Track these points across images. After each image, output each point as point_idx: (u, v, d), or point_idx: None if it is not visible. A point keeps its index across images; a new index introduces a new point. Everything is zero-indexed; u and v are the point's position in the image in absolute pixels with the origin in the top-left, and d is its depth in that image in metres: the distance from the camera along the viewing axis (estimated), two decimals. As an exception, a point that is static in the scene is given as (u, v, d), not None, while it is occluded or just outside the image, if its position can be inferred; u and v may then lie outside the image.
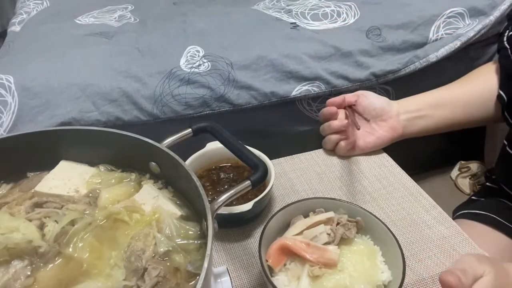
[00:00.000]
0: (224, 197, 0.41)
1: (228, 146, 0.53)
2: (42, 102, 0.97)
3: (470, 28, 1.12)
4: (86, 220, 0.42)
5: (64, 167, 0.49)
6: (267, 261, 0.49)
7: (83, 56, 1.06)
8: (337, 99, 0.74)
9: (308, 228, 0.52)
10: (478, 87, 0.75)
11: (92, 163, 0.50)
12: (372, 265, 0.49)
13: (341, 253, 0.49)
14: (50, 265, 0.39)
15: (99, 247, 0.41)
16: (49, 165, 0.49)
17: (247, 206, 0.57)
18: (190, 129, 0.50)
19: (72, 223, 0.42)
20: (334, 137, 0.74)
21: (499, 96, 0.71)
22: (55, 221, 0.42)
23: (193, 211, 0.46)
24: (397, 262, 0.48)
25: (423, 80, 1.22)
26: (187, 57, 1.06)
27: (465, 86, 0.76)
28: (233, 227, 0.62)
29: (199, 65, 1.04)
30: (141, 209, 0.45)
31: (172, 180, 0.49)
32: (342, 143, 0.74)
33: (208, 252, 0.35)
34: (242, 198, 0.62)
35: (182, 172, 0.43)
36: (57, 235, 0.41)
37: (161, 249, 0.41)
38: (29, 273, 0.38)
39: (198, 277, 0.35)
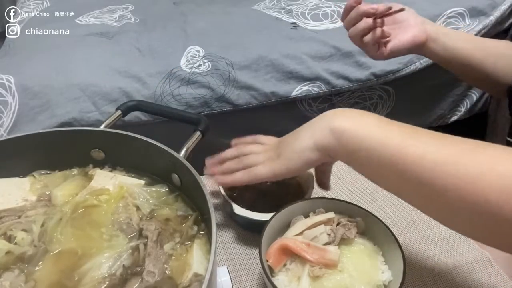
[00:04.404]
0: (183, 151, 0.47)
1: (162, 113, 0.59)
2: (43, 102, 0.97)
3: (471, 28, 1.12)
4: (56, 217, 0.42)
5: None
6: (267, 261, 0.49)
7: (84, 56, 1.06)
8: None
9: (308, 228, 0.52)
10: (499, 49, 0.73)
11: (22, 174, 0.48)
12: (373, 265, 0.49)
13: (342, 253, 0.49)
14: (44, 263, 0.39)
15: (82, 233, 0.42)
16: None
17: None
18: (119, 111, 0.54)
19: (43, 224, 0.42)
20: (363, 23, 0.69)
21: (509, 89, 0.70)
22: (23, 230, 0.41)
23: (154, 177, 0.48)
24: (398, 262, 0.48)
25: (423, 80, 1.22)
26: (188, 57, 1.06)
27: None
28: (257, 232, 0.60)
29: (200, 65, 1.04)
30: (105, 189, 0.46)
31: (118, 160, 0.49)
32: (370, 36, 0.70)
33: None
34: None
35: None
36: (39, 236, 0.41)
37: (147, 210, 0.44)
38: (24, 279, 0.37)
39: (190, 217, 0.41)
